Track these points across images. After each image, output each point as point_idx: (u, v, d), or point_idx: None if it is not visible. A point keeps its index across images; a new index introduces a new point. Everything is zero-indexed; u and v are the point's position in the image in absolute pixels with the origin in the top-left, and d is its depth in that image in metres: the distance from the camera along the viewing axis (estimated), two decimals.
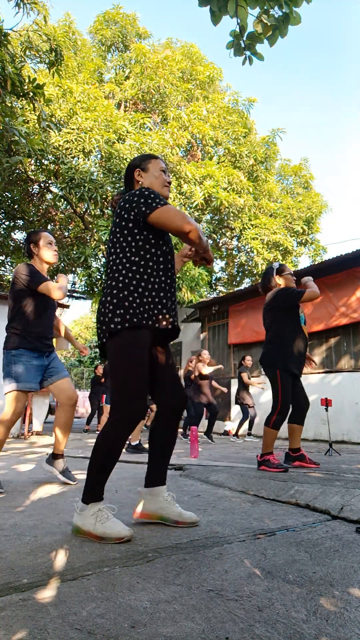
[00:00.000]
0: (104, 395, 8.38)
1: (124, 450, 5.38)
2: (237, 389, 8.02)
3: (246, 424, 7.99)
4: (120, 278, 1.72)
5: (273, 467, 3.19)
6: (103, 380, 8.78)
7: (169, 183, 1.96)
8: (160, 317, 1.74)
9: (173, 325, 1.79)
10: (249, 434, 8.08)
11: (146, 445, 5.08)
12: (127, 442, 5.96)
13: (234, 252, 14.63)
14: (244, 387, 7.85)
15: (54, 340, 3.05)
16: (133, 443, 5.11)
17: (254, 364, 8.67)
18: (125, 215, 1.75)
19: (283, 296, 3.47)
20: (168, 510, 1.78)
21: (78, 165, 9.75)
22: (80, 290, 13.04)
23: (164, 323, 1.74)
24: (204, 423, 8.49)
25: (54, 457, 2.84)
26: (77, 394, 2.81)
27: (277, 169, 15.09)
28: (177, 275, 9.33)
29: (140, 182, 1.91)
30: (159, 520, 1.80)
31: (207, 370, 7.34)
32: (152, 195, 1.72)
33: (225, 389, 8.18)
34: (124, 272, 1.73)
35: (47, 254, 2.80)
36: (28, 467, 3.51)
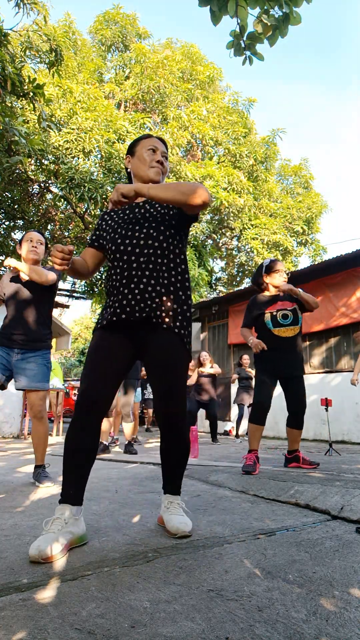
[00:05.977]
0: None
1: (118, 449, 5.38)
2: (237, 389, 7.99)
3: (244, 423, 7.69)
4: None
5: (243, 467, 3.15)
6: None
7: (159, 162, 1.68)
8: (112, 310, 1.59)
9: (127, 312, 1.56)
10: (237, 435, 8.01)
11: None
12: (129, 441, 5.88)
13: (234, 252, 14.62)
14: (243, 387, 7.81)
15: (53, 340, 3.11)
16: (125, 442, 5.08)
17: (251, 364, 8.62)
18: None
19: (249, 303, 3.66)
20: (164, 517, 1.77)
21: (78, 165, 9.74)
22: (80, 290, 13.05)
23: (118, 312, 1.57)
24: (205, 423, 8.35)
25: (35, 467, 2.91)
26: (39, 407, 2.83)
27: (277, 169, 15.09)
28: None
29: (129, 170, 1.77)
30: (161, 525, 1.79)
31: (207, 369, 7.28)
32: None
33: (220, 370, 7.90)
34: None
35: (24, 250, 2.95)
36: (28, 467, 3.51)
